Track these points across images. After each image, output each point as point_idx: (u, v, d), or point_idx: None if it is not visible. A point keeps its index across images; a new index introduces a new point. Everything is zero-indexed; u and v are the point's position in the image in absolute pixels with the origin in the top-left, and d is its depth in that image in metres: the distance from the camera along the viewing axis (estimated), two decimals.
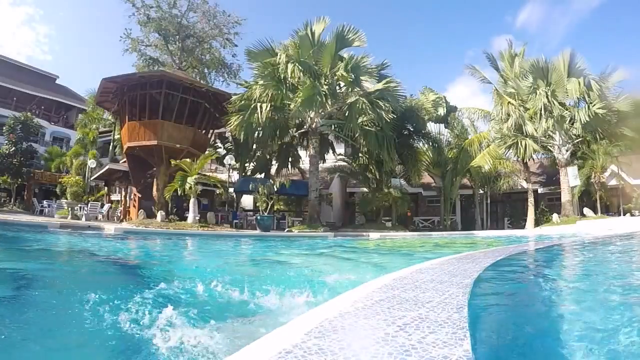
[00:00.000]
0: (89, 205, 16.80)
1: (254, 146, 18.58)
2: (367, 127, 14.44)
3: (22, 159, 20.19)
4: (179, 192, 12.94)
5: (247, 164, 20.37)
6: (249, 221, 16.23)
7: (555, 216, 15.02)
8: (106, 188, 21.93)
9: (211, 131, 18.48)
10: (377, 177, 17.43)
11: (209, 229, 11.92)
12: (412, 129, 17.90)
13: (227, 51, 27.86)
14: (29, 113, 22.75)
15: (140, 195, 16.31)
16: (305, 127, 15.39)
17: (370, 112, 13.56)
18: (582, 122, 14.26)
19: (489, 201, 20.76)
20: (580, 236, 8.07)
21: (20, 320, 1.72)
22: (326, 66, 13.82)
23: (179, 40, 26.20)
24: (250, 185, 14.34)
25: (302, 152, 19.37)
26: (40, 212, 17.79)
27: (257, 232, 12.11)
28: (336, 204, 20.79)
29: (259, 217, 13.25)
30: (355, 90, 14.27)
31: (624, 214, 15.65)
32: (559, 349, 1.09)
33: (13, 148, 19.97)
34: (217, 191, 19.71)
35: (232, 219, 16.03)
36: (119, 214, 17.32)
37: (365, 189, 18.64)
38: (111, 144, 25.21)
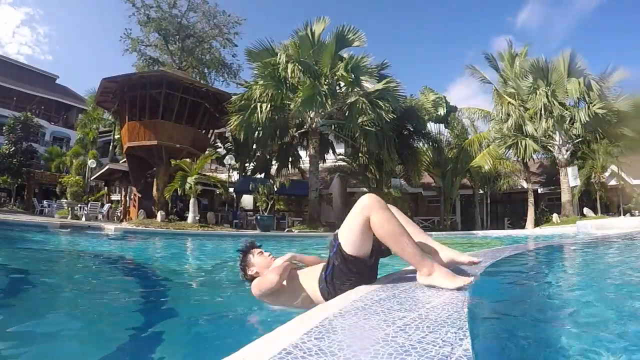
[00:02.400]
0: (89, 205, 16.82)
1: (254, 146, 18.57)
2: (367, 127, 14.44)
3: (22, 159, 20.19)
4: (179, 192, 12.94)
5: (247, 164, 20.37)
6: (249, 221, 16.24)
7: (555, 216, 15.02)
8: (106, 188, 21.96)
9: (211, 131, 18.49)
10: (377, 177, 17.44)
11: (209, 229, 11.92)
12: (412, 129, 17.91)
13: (227, 51, 27.92)
14: (29, 113, 22.75)
15: (140, 195, 16.32)
16: (305, 127, 15.39)
17: (370, 112, 13.56)
18: (582, 122, 14.26)
19: (489, 201, 20.76)
20: (580, 236, 8.07)
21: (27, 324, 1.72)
22: (326, 66, 13.82)
23: (179, 40, 26.23)
24: (250, 185, 14.33)
25: (302, 152, 19.38)
26: (40, 212, 17.80)
27: (257, 232, 12.11)
28: (336, 204, 20.80)
29: (259, 217, 13.26)
30: (355, 90, 14.28)
31: (624, 214, 15.66)
32: (560, 349, 1.09)
33: (13, 148, 19.98)
34: (217, 191, 19.72)
35: (232, 219, 16.04)
36: (119, 214, 17.34)
37: (365, 189, 18.64)
38: (111, 144, 25.25)
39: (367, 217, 1.60)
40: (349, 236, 1.68)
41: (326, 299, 1.75)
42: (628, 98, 14.58)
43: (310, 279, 1.88)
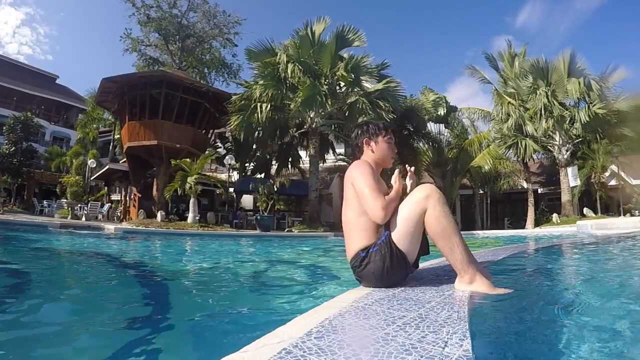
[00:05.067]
0: (89, 205, 16.81)
1: (254, 146, 18.57)
2: None
3: (22, 158, 20.19)
4: (179, 192, 12.94)
5: (247, 164, 20.37)
6: (249, 221, 16.24)
7: (555, 216, 15.02)
8: (106, 188, 21.94)
9: (211, 131, 18.49)
10: None
11: (209, 229, 11.92)
12: (412, 129, 17.91)
13: (227, 51, 27.96)
14: (29, 113, 22.74)
15: (140, 195, 16.33)
16: (305, 127, 15.39)
17: (370, 112, 13.56)
18: (582, 122, 14.26)
19: (489, 201, 20.75)
20: (580, 236, 8.07)
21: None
22: (326, 66, 13.82)
23: (179, 40, 26.23)
24: (250, 185, 14.34)
25: (302, 152, 19.38)
26: (40, 212, 17.79)
27: (257, 232, 12.11)
28: (336, 204, 20.80)
29: (259, 217, 13.26)
30: (356, 90, 14.28)
31: (624, 214, 15.66)
32: (561, 350, 1.09)
33: (13, 148, 19.97)
34: (217, 191, 19.72)
35: (232, 219, 16.04)
36: (119, 214, 17.33)
37: None
38: (111, 144, 25.25)
39: (425, 208, 1.53)
40: (401, 226, 1.57)
41: (349, 260, 1.71)
42: (628, 98, 14.58)
43: (363, 237, 1.66)
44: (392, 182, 1.75)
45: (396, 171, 1.78)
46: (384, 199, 1.60)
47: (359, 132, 1.89)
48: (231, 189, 18.83)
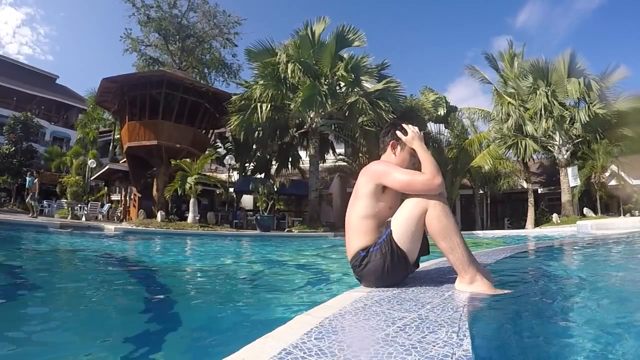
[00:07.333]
0: (89, 205, 16.80)
1: (254, 146, 18.57)
2: (367, 127, 14.45)
3: (22, 158, 20.18)
4: (179, 192, 12.94)
5: (247, 164, 20.37)
6: (249, 221, 16.24)
7: (555, 216, 15.02)
8: (106, 188, 21.95)
9: (211, 131, 18.49)
10: None
11: (209, 229, 11.92)
12: None
13: (227, 51, 27.94)
14: (29, 113, 22.74)
15: (140, 195, 16.33)
16: (305, 127, 15.40)
17: (370, 112, 13.57)
18: (582, 122, 14.26)
19: (489, 201, 20.75)
20: (580, 236, 8.07)
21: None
22: (326, 66, 13.82)
23: (179, 40, 26.21)
24: (250, 185, 14.34)
25: (302, 152, 19.38)
26: (40, 212, 17.77)
27: (257, 232, 12.11)
28: (336, 204, 20.80)
29: (259, 217, 13.26)
30: (356, 90, 14.28)
31: (624, 214, 15.65)
32: (561, 349, 1.09)
33: (13, 148, 19.97)
34: (217, 191, 19.72)
35: (232, 219, 16.04)
36: (119, 214, 17.33)
37: None
38: (111, 144, 25.25)
39: (425, 208, 1.54)
40: (402, 225, 1.57)
41: (350, 260, 1.69)
42: (628, 98, 14.57)
43: (364, 238, 1.64)
44: (412, 144, 1.72)
45: (409, 130, 1.74)
46: (423, 172, 1.60)
47: (390, 131, 1.83)
48: (231, 189, 18.83)
